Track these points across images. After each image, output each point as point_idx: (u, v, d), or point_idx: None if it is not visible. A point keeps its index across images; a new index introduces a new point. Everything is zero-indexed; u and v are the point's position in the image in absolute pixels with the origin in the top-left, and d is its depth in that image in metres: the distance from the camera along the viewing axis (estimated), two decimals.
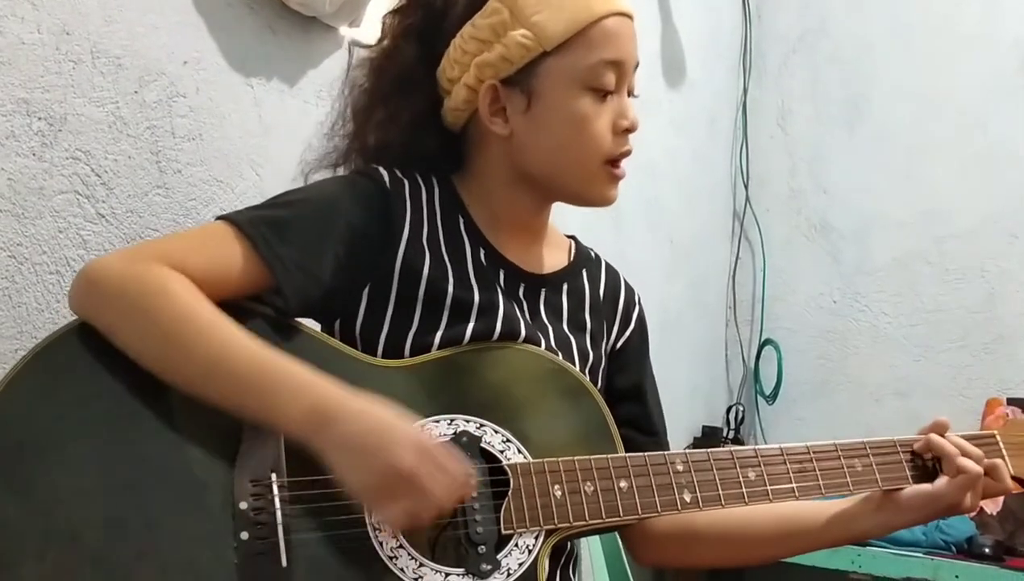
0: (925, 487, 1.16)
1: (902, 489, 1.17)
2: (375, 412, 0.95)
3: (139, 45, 1.35)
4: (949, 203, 2.54)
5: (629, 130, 1.16)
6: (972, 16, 2.55)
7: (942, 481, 1.15)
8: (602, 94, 1.14)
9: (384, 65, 1.21)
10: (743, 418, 2.71)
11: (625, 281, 1.33)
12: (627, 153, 1.17)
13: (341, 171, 1.23)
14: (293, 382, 0.96)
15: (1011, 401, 2.27)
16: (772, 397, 2.72)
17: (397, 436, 0.94)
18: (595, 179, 1.17)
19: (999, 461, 1.19)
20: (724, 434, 2.64)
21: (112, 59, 1.32)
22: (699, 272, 2.72)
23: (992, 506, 2.13)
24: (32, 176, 1.23)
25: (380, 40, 1.23)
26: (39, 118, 1.24)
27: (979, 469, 1.13)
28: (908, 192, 2.61)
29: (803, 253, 2.77)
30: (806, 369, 2.72)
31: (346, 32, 1.60)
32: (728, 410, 2.73)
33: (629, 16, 1.16)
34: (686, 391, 2.62)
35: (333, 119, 1.25)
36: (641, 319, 1.32)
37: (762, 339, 2.78)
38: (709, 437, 2.57)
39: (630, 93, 1.18)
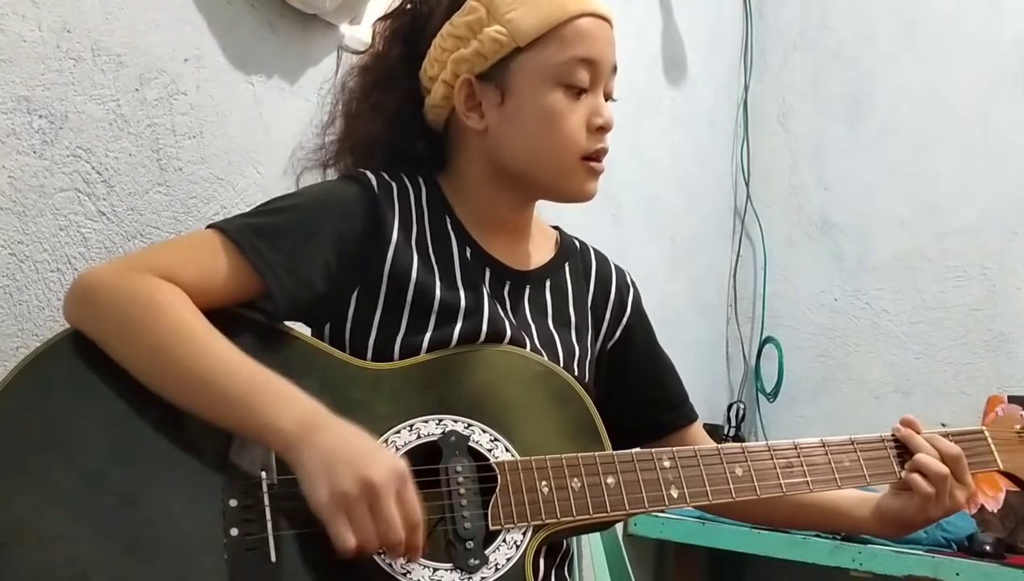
0: (896, 504, 1.19)
1: (893, 508, 1.20)
2: (359, 432, 0.96)
3: (140, 43, 1.35)
4: (950, 200, 2.54)
5: (603, 128, 1.17)
6: (973, 13, 2.55)
7: (903, 500, 1.18)
8: (575, 91, 1.15)
9: (371, 66, 1.24)
10: (744, 416, 2.70)
11: (615, 267, 1.35)
12: (603, 151, 1.19)
13: (332, 170, 1.25)
14: (282, 395, 0.97)
15: (1012, 399, 2.26)
16: (773, 395, 2.72)
17: (377, 454, 0.94)
18: (572, 174, 1.18)
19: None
20: (725, 432, 2.64)
21: (113, 57, 1.32)
22: (700, 269, 2.72)
23: (993, 504, 2.13)
24: (33, 174, 1.24)
25: (371, 46, 1.26)
26: (40, 116, 1.24)
27: (930, 491, 1.16)
28: (909, 189, 2.60)
29: (804, 250, 2.77)
30: (807, 367, 2.72)
31: (346, 30, 1.60)
32: (729, 408, 2.73)
33: (606, 19, 1.18)
34: (687, 388, 2.62)
35: (324, 120, 1.26)
36: (636, 301, 1.34)
37: (763, 337, 2.78)
38: (710, 435, 2.51)
39: (608, 97, 1.20)
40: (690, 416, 1.35)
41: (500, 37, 1.14)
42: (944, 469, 1.16)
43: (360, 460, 0.92)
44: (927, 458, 1.17)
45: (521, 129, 1.16)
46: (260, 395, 0.96)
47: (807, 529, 1.33)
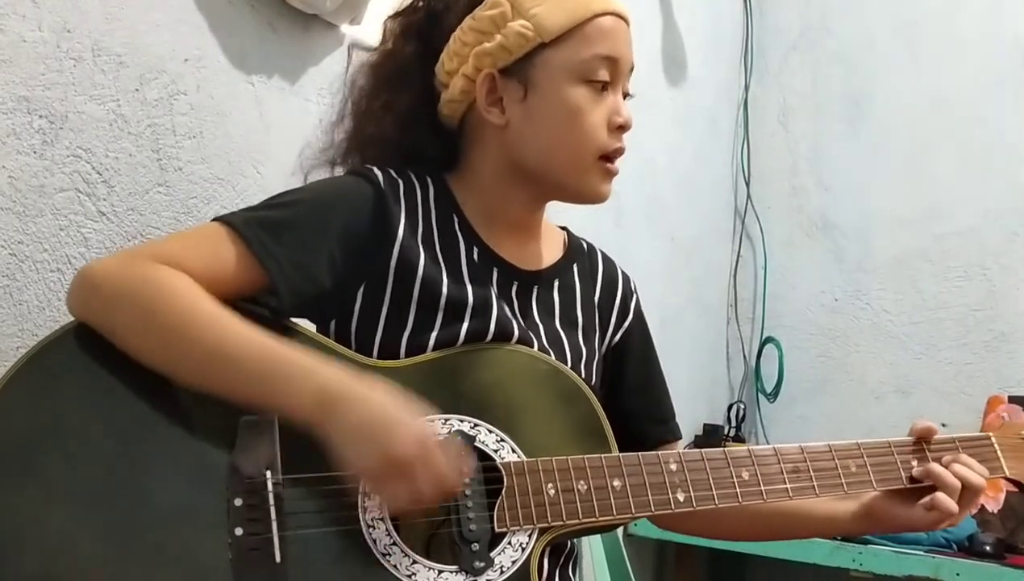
0: (900, 512, 1.18)
1: (882, 504, 1.19)
2: (380, 399, 0.97)
3: (140, 43, 1.35)
4: (950, 200, 2.54)
5: (623, 127, 1.18)
6: (973, 13, 2.55)
7: (917, 510, 1.17)
8: (598, 86, 1.16)
9: (383, 64, 1.23)
10: (744, 416, 2.71)
11: (621, 270, 1.35)
12: (620, 150, 1.19)
13: (339, 169, 1.25)
14: (298, 369, 0.97)
15: (1012, 399, 2.26)
16: (773, 395, 2.72)
17: (399, 426, 0.95)
18: (589, 173, 1.18)
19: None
20: (725, 432, 2.64)
21: (113, 57, 1.32)
22: (700, 270, 2.72)
23: (993, 504, 2.13)
24: (33, 174, 1.23)
25: (382, 43, 1.25)
26: (40, 116, 1.24)
27: (954, 508, 1.15)
28: (909, 189, 2.61)
29: (804, 251, 2.77)
30: (807, 367, 2.72)
31: (347, 30, 1.60)
32: (729, 408, 2.73)
33: (625, 19, 1.19)
34: (687, 389, 2.62)
35: (333, 118, 1.26)
36: (638, 307, 1.34)
37: (763, 337, 2.78)
38: (710, 435, 2.56)
39: (626, 95, 1.20)
40: (676, 433, 1.33)
41: (525, 32, 1.14)
42: (954, 508, 1.15)
43: (383, 436, 0.94)
44: (947, 500, 1.15)
45: (542, 124, 1.16)
46: (276, 371, 0.97)
47: (784, 538, 1.32)
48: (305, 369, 0.97)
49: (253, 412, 0.98)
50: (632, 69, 1.20)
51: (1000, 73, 2.49)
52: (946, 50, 2.58)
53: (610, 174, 1.19)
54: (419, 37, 1.21)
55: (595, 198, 1.20)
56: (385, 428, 0.94)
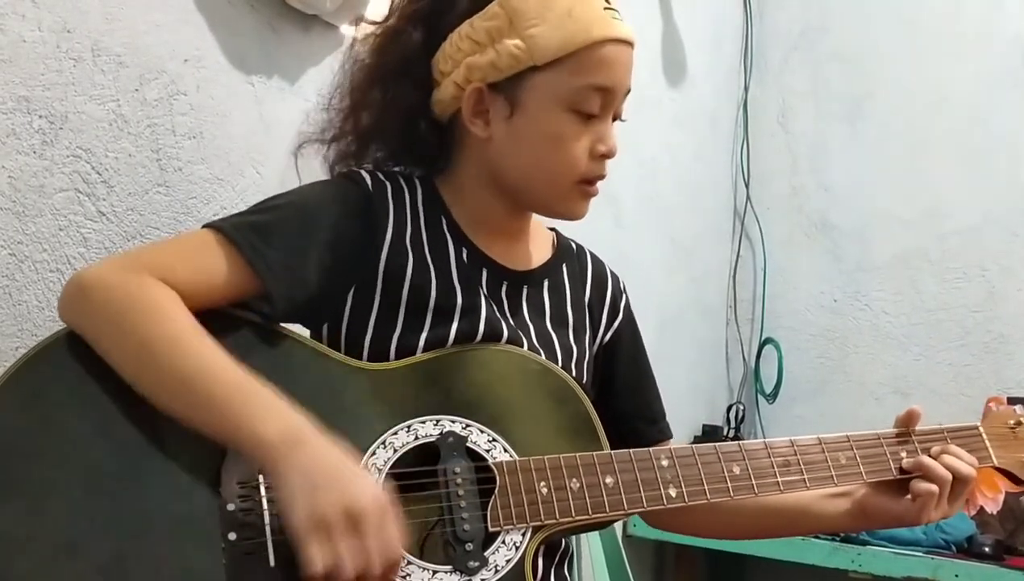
0: (891, 506, 1.18)
1: (874, 499, 1.19)
2: (343, 454, 0.94)
3: (140, 43, 1.35)
4: (950, 201, 2.54)
5: (606, 156, 1.16)
6: (973, 13, 2.55)
7: (905, 503, 1.17)
8: (585, 117, 1.14)
9: (386, 45, 1.21)
10: (743, 417, 2.71)
11: (610, 270, 1.35)
12: (601, 177, 1.18)
13: (335, 146, 1.24)
14: (266, 405, 0.95)
15: (1011, 400, 2.25)
16: (772, 396, 2.72)
17: (363, 480, 0.93)
18: (566, 197, 1.18)
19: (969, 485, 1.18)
20: (724, 433, 2.64)
21: (113, 57, 1.32)
22: (700, 270, 2.72)
23: (992, 506, 2.13)
24: (33, 174, 1.24)
25: (386, 18, 1.22)
26: (40, 116, 1.24)
27: (933, 488, 1.15)
28: (909, 190, 2.61)
29: (804, 251, 2.77)
30: (806, 368, 2.72)
31: (347, 30, 1.60)
32: (728, 409, 2.73)
33: (629, 43, 1.15)
34: (687, 390, 2.63)
35: (331, 92, 1.24)
36: (628, 307, 1.34)
37: (763, 338, 2.78)
38: (710, 436, 2.57)
39: (617, 117, 1.18)
40: (667, 433, 1.33)
41: (517, 52, 1.11)
42: (934, 490, 1.15)
43: (345, 485, 0.90)
44: (927, 485, 1.16)
45: (524, 147, 1.15)
46: (243, 404, 0.94)
47: (779, 536, 1.33)
48: (271, 407, 0.95)
49: (214, 441, 0.96)
50: (628, 92, 1.18)
51: (1000, 73, 2.49)
52: (946, 49, 2.58)
53: (588, 195, 1.18)
54: (423, 25, 1.18)
55: (571, 218, 1.21)
56: (349, 478, 0.91)
